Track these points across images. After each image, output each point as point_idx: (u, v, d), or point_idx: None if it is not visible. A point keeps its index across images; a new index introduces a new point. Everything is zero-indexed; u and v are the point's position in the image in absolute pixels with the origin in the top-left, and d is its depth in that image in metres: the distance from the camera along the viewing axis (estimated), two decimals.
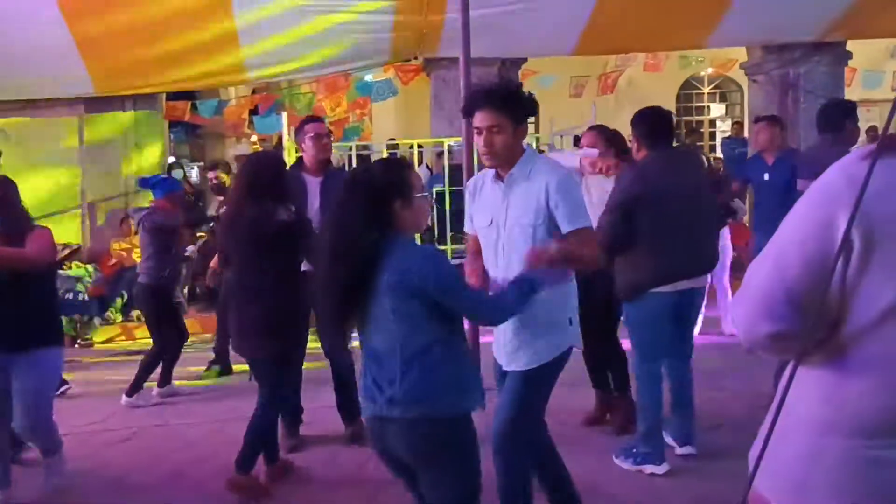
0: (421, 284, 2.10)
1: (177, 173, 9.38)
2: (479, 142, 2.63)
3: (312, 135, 4.28)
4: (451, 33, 6.20)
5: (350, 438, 4.25)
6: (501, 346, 2.77)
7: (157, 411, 5.21)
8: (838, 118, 4.61)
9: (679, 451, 3.81)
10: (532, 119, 2.70)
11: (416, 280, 2.10)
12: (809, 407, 1.09)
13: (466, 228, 2.95)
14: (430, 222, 8.10)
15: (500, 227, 2.67)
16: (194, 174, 13.29)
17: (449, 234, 7.74)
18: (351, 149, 8.80)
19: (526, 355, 2.67)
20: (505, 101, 2.58)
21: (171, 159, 10.69)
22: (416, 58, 8.77)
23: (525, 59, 9.12)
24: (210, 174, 6.97)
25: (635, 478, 3.63)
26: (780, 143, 5.58)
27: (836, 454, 1.05)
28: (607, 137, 4.20)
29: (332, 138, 4.44)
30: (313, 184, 4.28)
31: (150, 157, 8.92)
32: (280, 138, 10.66)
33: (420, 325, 2.13)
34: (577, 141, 9.58)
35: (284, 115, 8.69)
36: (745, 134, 11.04)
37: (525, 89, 2.77)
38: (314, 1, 6.96)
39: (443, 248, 7.73)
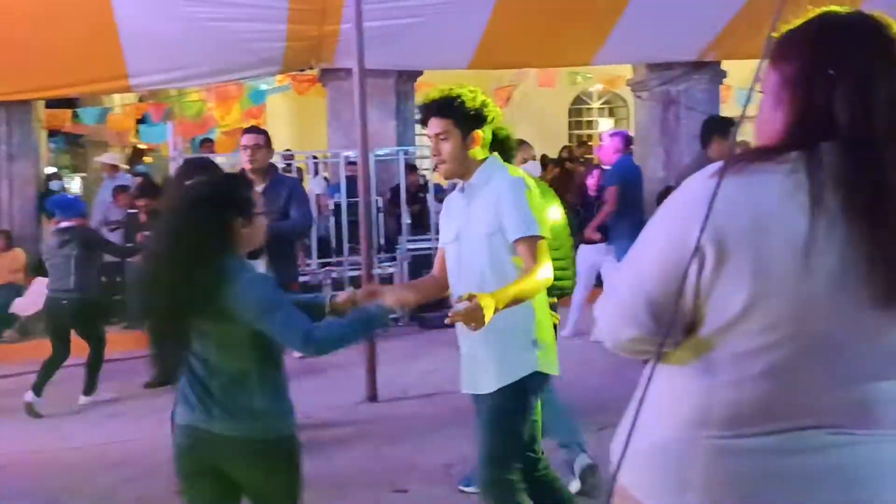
0: (243, 309, 2.07)
1: (55, 185, 8.88)
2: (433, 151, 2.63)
3: (242, 145, 4.32)
4: (347, 44, 6.17)
5: None
6: (463, 368, 2.63)
7: (32, 437, 4.89)
8: (705, 134, 5.02)
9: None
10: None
11: (241, 303, 2.06)
12: (665, 402, 1.16)
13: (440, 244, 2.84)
14: (327, 233, 8.01)
15: (463, 240, 2.58)
16: (75, 186, 12.62)
17: (346, 246, 7.67)
18: None
19: (483, 378, 2.52)
20: (448, 108, 2.53)
21: (51, 170, 10.11)
22: (311, 68, 8.67)
23: (421, 72, 9.20)
24: (140, 202, 6.80)
25: None
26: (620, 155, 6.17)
27: (691, 445, 1.12)
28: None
29: (268, 148, 4.43)
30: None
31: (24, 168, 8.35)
32: (137, 149, 10.29)
33: (241, 348, 2.11)
34: None
35: (170, 124, 8.39)
36: (633, 147, 11.54)
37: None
38: (202, 7, 6.78)
39: (339, 259, 7.65)
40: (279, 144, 12.49)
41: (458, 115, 2.52)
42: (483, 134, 2.55)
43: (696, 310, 1.10)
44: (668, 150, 9.20)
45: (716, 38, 8.29)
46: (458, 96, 2.54)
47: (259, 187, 4.22)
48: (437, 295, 2.78)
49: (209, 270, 2.05)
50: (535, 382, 2.52)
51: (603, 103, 15.36)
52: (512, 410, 2.50)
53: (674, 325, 1.10)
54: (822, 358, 1.06)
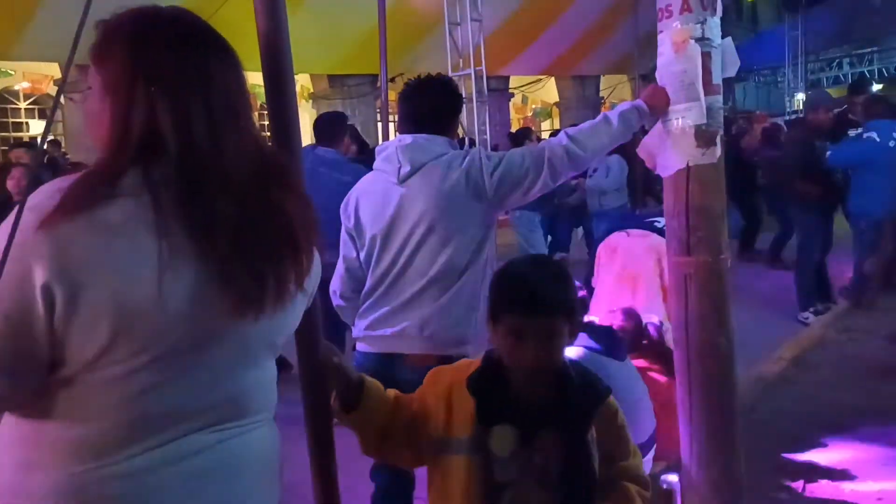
0: None
1: None
2: None
3: None
4: None
5: None
6: None
7: None
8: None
9: None
10: None
11: None
12: (15, 451, 1.07)
13: None
14: None
15: None
16: None
17: None
18: None
19: None
20: None
21: None
22: None
23: None
24: None
25: None
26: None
27: (66, 485, 1.04)
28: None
29: None
30: None
31: None
32: None
33: None
34: None
35: None
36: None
37: None
38: None
39: None
40: None
41: None
42: None
43: (55, 351, 1.01)
44: None
45: None
46: None
47: None
48: None
49: None
50: None
51: (32, 103, 14.00)
52: None
53: (31, 374, 1.02)
54: (193, 367, 1.07)
